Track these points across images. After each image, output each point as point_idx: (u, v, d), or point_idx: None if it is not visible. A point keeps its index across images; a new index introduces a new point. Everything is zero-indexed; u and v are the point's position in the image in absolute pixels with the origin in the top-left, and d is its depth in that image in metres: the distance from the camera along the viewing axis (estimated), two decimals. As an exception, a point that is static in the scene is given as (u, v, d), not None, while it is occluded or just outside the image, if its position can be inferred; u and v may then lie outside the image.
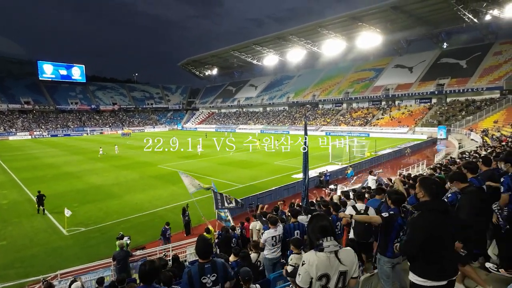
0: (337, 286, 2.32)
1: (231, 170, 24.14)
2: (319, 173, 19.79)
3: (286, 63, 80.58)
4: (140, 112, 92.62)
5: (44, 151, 40.12)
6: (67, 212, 12.57)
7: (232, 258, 5.81)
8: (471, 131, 35.08)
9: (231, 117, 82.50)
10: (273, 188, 16.67)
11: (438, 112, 48.00)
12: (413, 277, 2.80)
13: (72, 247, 11.54)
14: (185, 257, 9.59)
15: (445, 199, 4.34)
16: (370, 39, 58.64)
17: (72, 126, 73.53)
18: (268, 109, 78.69)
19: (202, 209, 12.57)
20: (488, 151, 14.00)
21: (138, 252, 9.96)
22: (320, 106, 68.60)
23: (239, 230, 9.34)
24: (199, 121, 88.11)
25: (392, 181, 10.46)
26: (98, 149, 34.20)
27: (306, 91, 72.39)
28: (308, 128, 14.42)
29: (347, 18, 55.10)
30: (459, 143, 30.89)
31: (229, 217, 11.99)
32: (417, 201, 3.24)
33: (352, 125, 54.66)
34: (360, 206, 5.25)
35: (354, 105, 62.99)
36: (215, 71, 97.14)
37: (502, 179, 4.14)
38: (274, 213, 9.03)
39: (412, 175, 10.94)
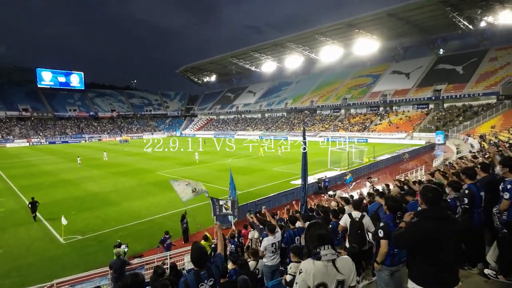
0: (335, 295, 2.29)
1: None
2: (318, 179, 19.78)
3: (284, 69, 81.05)
4: (139, 118, 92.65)
5: (42, 158, 39.95)
6: (64, 221, 12.47)
7: (230, 265, 5.76)
8: (469, 136, 35.24)
9: (229, 123, 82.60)
10: (271, 194, 16.62)
11: (436, 118, 48.25)
12: (411, 285, 2.79)
13: (69, 255, 11.41)
14: (183, 264, 9.51)
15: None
16: (367, 46, 59.25)
17: (70, 133, 73.40)
18: (266, 115, 78.88)
19: (199, 216, 12.51)
20: (486, 155, 14.02)
21: (135, 260, 9.85)
22: (318, 112, 68.85)
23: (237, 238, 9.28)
24: (197, 128, 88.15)
25: (390, 188, 10.45)
26: (93, 156, 34.18)
27: (304, 97, 72.73)
28: (306, 133, 14.46)
29: (344, 25, 55.73)
30: (457, 148, 30.99)
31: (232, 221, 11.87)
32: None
33: (350, 131, 54.81)
34: (356, 214, 5.29)
35: (352, 110, 63.25)
36: (213, 78, 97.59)
37: (508, 186, 3.92)
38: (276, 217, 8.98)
39: (409, 181, 10.92)
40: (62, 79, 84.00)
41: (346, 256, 2.46)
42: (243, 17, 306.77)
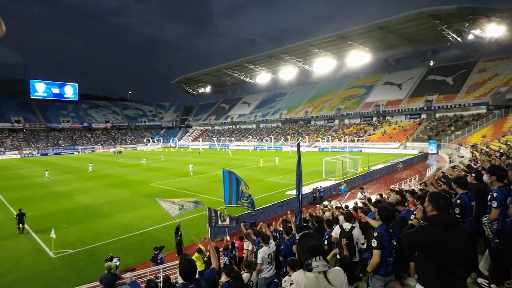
0: (327, 307, 2.27)
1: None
2: (313, 189, 19.75)
3: (278, 80, 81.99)
4: (133, 129, 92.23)
5: (33, 170, 39.31)
6: (53, 234, 12.17)
7: (223, 278, 5.67)
8: (461, 146, 35.72)
9: (224, 134, 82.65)
10: (267, 205, 16.52)
11: (428, 128, 48.94)
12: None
13: (59, 270, 11.11)
14: (176, 278, 9.31)
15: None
16: (359, 57, 60.50)
17: (63, 145, 72.59)
18: (261, 125, 79.21)
19: (194, 227, 12.34)
20: (478, 165, 14.18)
21: (127, 274, 9.60)
22: (313, 122, 69.38)
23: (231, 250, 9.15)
24: (192, 138, 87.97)
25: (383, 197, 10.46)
26: (88, 167, 33.82)
27: (298, 107, 73.36)
28: (300, 144, 14.57)
29: (337, 37, 56.91)
30: (449, 158, 31.34)
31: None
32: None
33: (344, 141, 55.22)
34: (346, 225, 5.34)
35: (346, 121, 63.88)
36: (208, 89, 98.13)
37: (495, 194, 4.01)
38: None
39: (404, 190, 10.96)
40: (55, 90, 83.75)
41: (338, 268, 2.44)
42: (237, 29, 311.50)
